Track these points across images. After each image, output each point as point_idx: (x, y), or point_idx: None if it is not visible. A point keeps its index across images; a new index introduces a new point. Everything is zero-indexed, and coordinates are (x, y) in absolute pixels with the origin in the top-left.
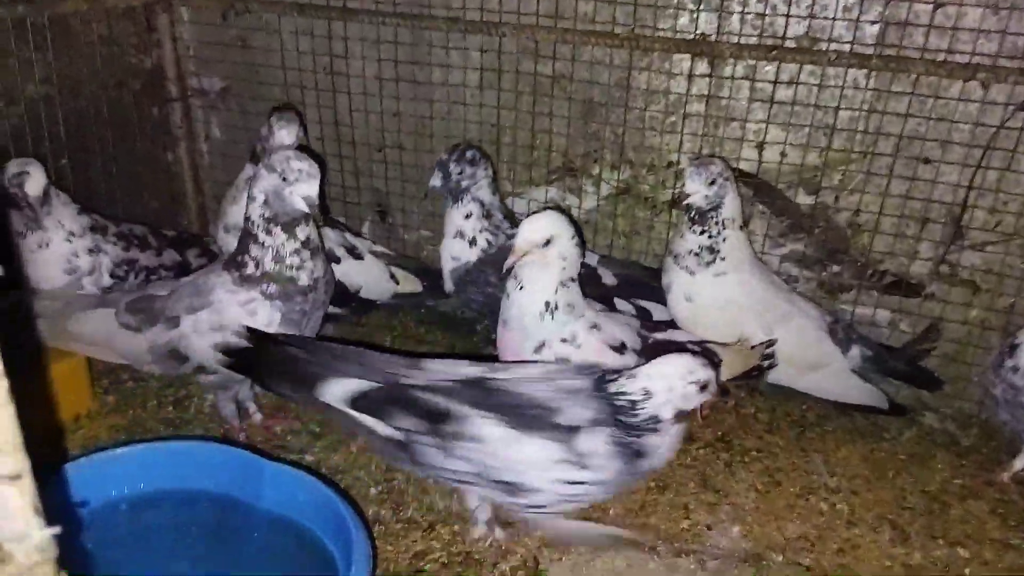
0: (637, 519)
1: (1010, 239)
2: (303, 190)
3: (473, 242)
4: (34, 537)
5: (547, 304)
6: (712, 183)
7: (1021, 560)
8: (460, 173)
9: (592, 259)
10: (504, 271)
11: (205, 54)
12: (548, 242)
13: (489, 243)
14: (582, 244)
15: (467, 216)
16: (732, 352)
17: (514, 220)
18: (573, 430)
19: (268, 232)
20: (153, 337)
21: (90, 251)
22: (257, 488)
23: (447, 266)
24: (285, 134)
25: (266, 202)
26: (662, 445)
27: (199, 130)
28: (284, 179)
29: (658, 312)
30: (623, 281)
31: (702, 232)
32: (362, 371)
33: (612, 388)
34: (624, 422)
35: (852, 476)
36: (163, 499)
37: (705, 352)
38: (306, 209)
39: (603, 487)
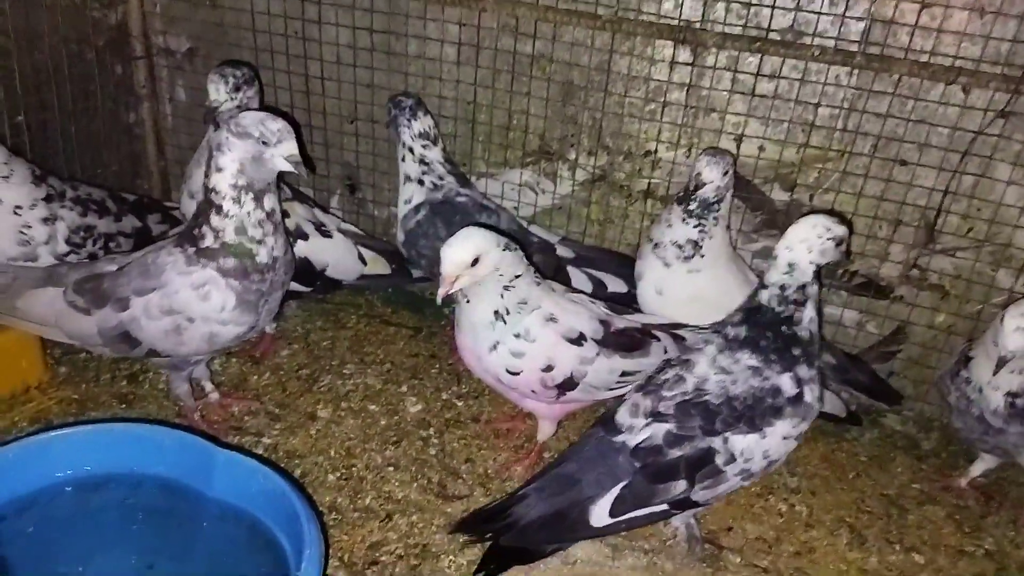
0: None
1: (981, 245)
2: (285, 150)
3: (420, 182)
4: None
5: (496, 312)
6: (726, 174)
7: (974, 567)
8: (389, 112)
9: (553, 238)
10: (440, 302)
11: (172, 12)
12: (476, 261)
13: (435, 185)
14: (515, 245)
15: (402, 159)
16: None
17: (462, 178)
18: (798, 397)
19: (237, 201)
20: (102, 319)
21: (45, 220)
22: (209, 475)
23: (400, 213)
24: (212, 89)
25: (241, 170)
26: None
27: (163, 91)
28: (264, 143)
29: (611, 283)
30: (580, 255)
31: (696, 225)
32: (607, 471)
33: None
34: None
35: (812, 476)
36: (111, 482)
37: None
38: (290, 169)
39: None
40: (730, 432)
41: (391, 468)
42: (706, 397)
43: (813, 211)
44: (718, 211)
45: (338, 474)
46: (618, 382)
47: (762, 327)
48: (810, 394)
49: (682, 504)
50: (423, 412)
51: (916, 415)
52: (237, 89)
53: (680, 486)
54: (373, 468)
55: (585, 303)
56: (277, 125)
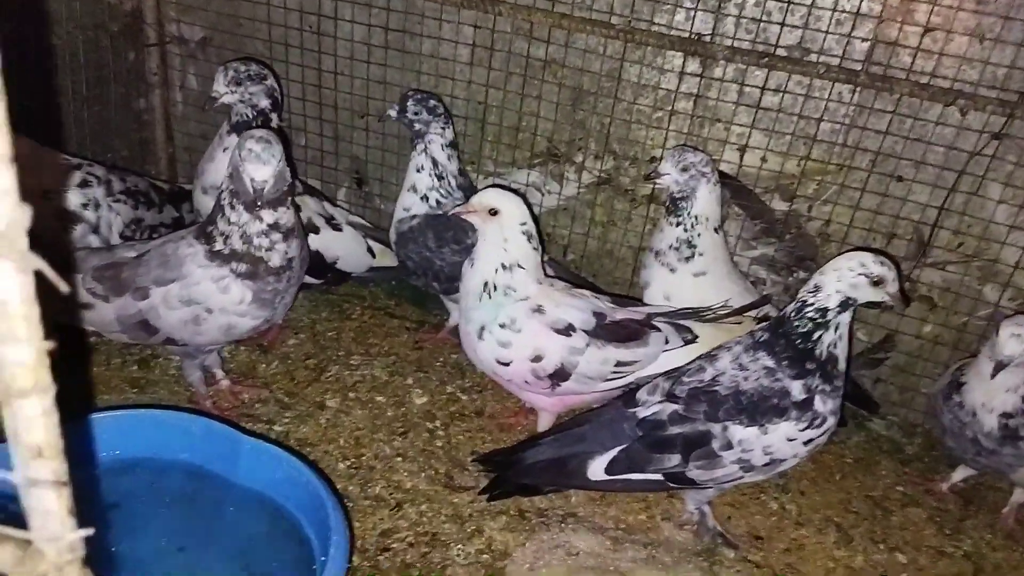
0: (598, 508)
1: (970, 261)
2: (250, 171)
3: (425, 198)
4: (67, 538)
5: (485, 284)
6: (684, 170)
7: (953, 567)
8: (416, 114)
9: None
10: (448, 215)
11: (188, 1)
12: (495, 212)
13: (439, 203)
14: (538, 243)
15: (419, 169)
16: (713, 328)
17: (470, 190)
18: (806, 403)
19: (232, 207)
20: (121, 307)
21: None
22: (234, 462)
23: (396, 216)
24: (215, 80)
25: (231, 176)
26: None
27: (175, 78)
28: (241, 157)
29: None
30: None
31: (678, 224)
32: (612, 434)
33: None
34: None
35: (801, 477)
36: (138, 466)
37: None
38: (252, 190)
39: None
40: (731, 422)
41: (399, 458)
42: (716, 387)
43: (870, 249)
44: (688, 208)
45: (348, 463)
46: (614, 372)
47: (780, 335)
48: (821, 404)
49: (677, 479)
50: (428, 404)
51: (901, 420)
52: (237, 83)
53: (674, 459)
54: (382, 458)
55: (585, 298)
56: (254, 146)
